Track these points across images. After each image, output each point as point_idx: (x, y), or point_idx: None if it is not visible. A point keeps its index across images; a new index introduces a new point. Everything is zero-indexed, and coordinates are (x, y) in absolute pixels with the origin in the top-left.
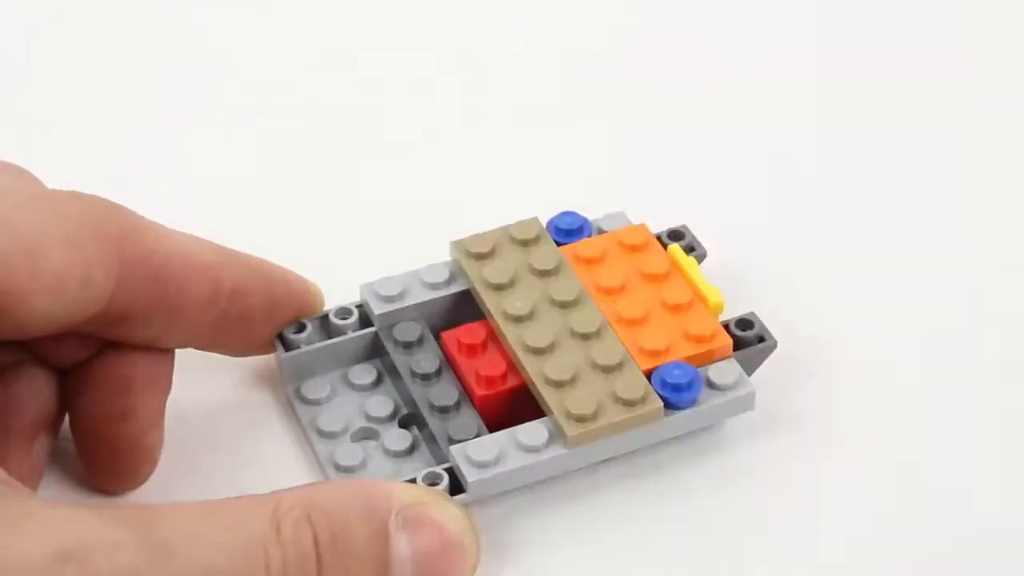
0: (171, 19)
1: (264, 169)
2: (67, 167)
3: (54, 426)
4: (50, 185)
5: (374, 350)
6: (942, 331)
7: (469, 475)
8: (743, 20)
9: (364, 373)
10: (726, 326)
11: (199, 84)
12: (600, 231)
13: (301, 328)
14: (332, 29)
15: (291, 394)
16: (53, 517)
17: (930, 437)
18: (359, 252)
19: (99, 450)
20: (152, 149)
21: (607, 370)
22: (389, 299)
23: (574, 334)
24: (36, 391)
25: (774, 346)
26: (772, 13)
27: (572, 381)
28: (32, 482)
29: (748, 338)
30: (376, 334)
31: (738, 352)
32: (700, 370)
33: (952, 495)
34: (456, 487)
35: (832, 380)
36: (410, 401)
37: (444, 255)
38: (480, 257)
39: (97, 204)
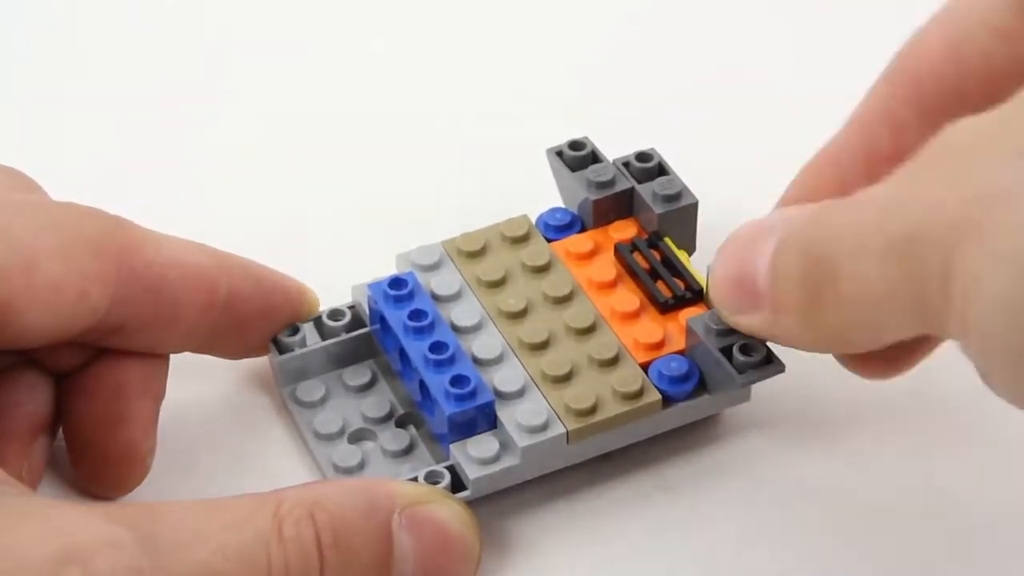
0: (167, 21)
1: (256, 171)
2: (64, 168)
3: (52, 428)
4: (46, 186)
5: (368, 351)
6: None
7: (470, 472)
8: (745, 16)
9: (359, 374)
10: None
11: (192, 87)
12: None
13: (295, 331)
14: (322, 31)
15: (286, 397)
16: (54, 517)
17: (931, 432)
18: (350, 254)
19: (91, 456)
20: (146, 152)
21: (604, 364)
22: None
23: (569, 329)
24: (34, 394)
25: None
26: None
27: (570, 376)
28: (31, 484)
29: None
30: (370, 334)
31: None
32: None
33: (952, 490)
34: (457, 485)
35: (829, 372)
36: (406, 400)
37: (435, 254)
38: (471, 255)
39: (96, 217)
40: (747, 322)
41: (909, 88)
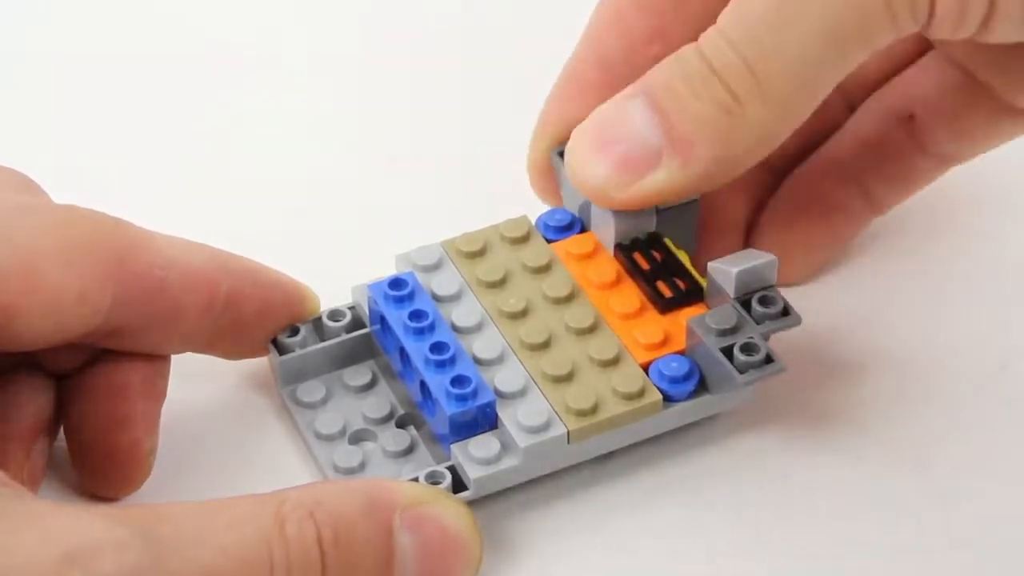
0: (167, 23)
1: (256, 171)
2: (64, 169)
3: (52, 430)
4: (46, 188)
5: (368, 351)
6: (941, 321)
7: (471, 472)
8: None
9: (359, 375)
10: None
11: (193, 88)
12: None
13: (295, 332)
14: (322, 31)
15: (286, 398)
16: (57, 518)
17: (930, 432)
18: (350, 254)
19: (94, 457)
20: (146, 153)
21: (605, 364)
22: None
23: (569, 329)
24: (34, 395)
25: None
26: None
27: (570, 376)
28: (32, 486)
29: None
30: (370, 335)
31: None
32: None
33: (952, 490)
34: (458, 485)
35: (829, 372)
36: (407, 401)
37: (435, 255)
38: (471, 256)
39: (97, 219)
40: (648, 186)
41: None
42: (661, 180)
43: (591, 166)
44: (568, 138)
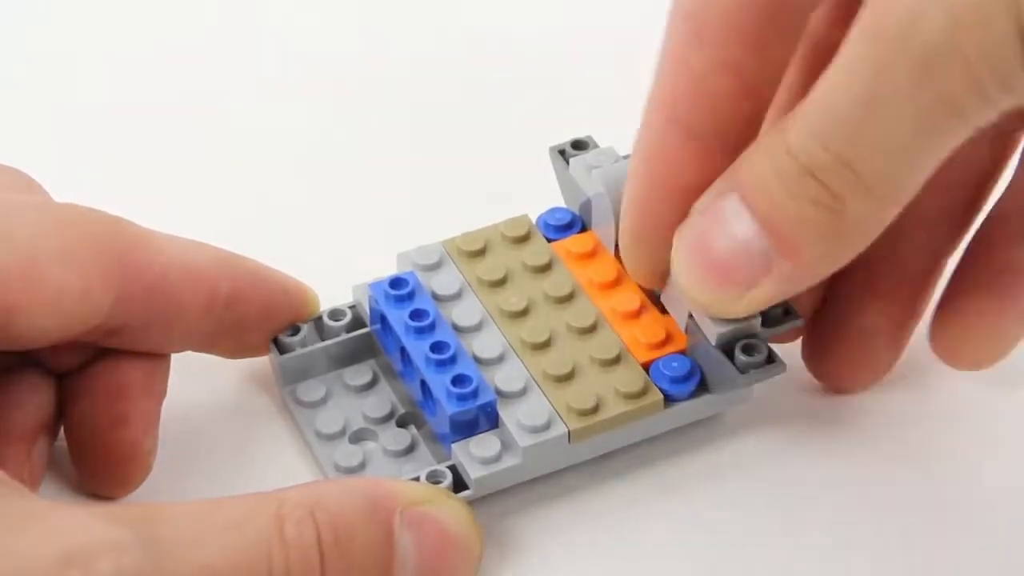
0: (167, 23)
1: (257, 170)
2: (64, 168)
3: (53, 429)
4: (47, 186)
5: (369, 351)
6: None
7: (472, 471)
8: None
9: (360, 374)
10: None
11: (193, 86)
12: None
13: (295, 331)
14: (321, 30)
15: (287, 397)
16: (55, 518)
17: (930, 432)
18: (350, 254)
19: (93, 455)
20: (146, 151)
21: (606, 364)
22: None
23: (571, 329)
24: (34, 394)
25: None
26: None
27: (571, 376)
28: (31, 485)
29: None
30: (370, 334)
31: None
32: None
33: (952, 490)
34: (459, 484)
35: None
36: (407, 400)
37: (435, 254)
38: (472, 255)
39: (97, 218)
40: (759, 295)
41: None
42: (771, 287)
43: (700, 289)
44: (658, 228)
